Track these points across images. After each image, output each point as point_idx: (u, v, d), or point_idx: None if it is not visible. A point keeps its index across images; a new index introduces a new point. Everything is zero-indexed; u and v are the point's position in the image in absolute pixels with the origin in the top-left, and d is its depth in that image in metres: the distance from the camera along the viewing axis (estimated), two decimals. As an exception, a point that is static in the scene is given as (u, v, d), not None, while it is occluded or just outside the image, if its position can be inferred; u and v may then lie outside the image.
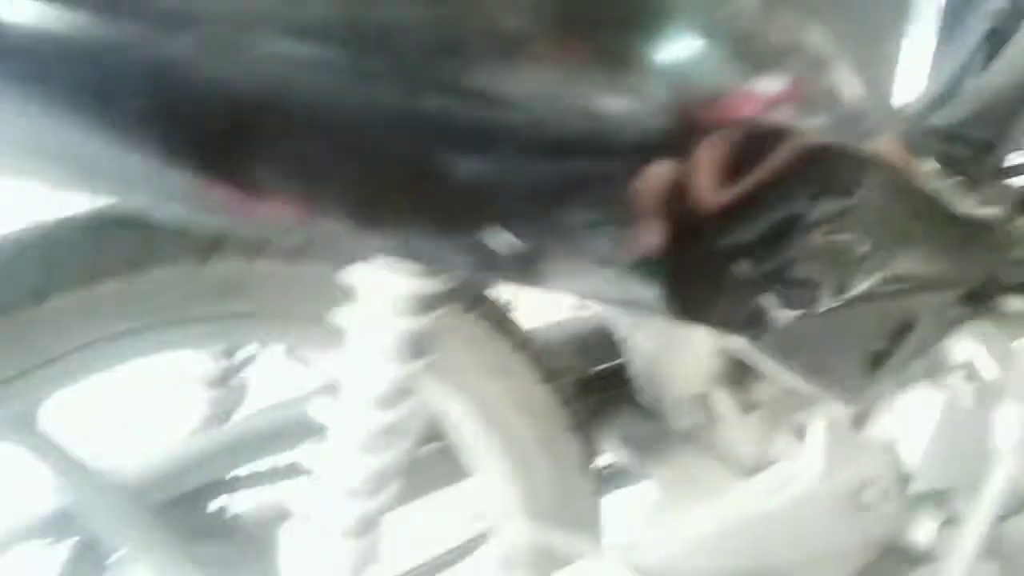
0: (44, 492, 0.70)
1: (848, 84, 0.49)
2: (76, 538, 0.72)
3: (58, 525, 0.70)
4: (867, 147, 0.60)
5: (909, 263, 0.74)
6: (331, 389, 0.59)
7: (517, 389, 0.75)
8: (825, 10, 0.48)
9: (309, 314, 0.61)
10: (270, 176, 0.38)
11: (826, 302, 0.65)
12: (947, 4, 0.95)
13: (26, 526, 0.69)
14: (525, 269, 0.44)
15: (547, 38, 0.38)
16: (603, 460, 0.91)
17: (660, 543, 0.78)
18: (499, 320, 0.72)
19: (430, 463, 0.81)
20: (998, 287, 0.85)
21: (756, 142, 0.45)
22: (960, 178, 0.80)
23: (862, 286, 0.68)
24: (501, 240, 0.43)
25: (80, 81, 0.34)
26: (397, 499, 0.62)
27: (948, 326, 0.83)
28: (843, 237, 0.65)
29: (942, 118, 0.88)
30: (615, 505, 0.92)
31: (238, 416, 0.80)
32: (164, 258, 0.57)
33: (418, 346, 0.58)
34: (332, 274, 0.61)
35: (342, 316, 0.57)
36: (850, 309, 0.68)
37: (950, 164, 0.81)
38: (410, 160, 0.40)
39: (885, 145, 0.67)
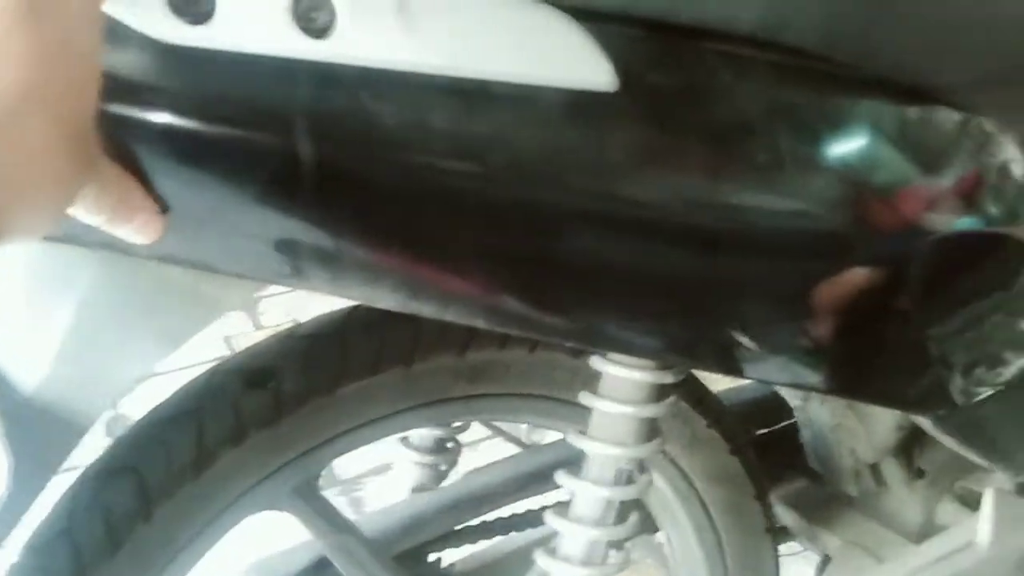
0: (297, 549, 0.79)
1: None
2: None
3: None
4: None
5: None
6: (572, 464, 0.66)
7: (710, 460, 0.81)
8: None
9: (552, 395, 0.69)
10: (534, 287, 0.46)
11: (1007, 381, 0.69)
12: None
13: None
14: (729, 359, 0.50)
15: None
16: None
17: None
18: (699, 398, 0.79)
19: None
20: None
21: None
22: None
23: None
24: (727, 336, 0.50)
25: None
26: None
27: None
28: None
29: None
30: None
31: (451, 479, 0.88)
32: (430, 350, 0.66)
33: (653, 430, 0.65)
34: (572, 361, 0.69)
35: (586, 399, 0.64)
36: None
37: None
38: (660, 272, 0.47)
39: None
